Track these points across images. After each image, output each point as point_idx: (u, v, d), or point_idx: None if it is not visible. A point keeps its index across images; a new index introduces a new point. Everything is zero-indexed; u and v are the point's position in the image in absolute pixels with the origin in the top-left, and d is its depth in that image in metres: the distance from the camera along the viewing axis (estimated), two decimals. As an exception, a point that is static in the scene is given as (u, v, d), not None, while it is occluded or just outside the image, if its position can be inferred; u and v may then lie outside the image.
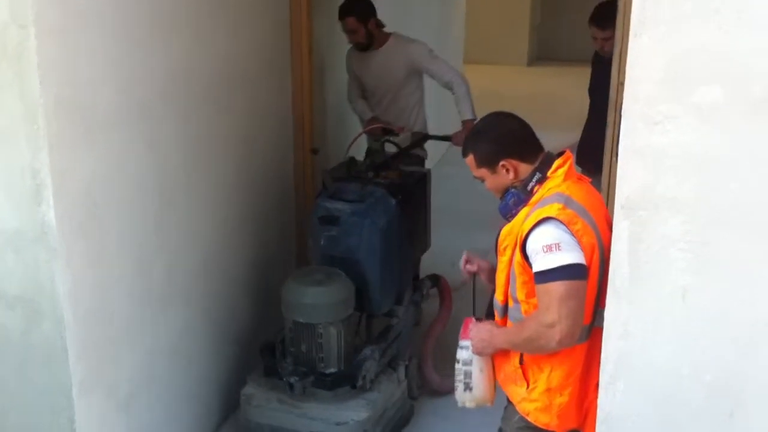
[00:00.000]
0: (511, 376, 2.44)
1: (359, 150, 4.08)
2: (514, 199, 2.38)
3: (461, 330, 2.56)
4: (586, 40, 4.52)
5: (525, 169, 2.38)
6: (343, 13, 4.46)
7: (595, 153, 3.54)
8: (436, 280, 4.05)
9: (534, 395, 2.37)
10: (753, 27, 1.66)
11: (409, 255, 3.74)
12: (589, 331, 2.29)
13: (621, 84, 3.19)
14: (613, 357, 1.94)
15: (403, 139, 4.11)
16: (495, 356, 2.51)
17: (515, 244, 2.31)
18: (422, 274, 4.85)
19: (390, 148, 4.05)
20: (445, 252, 5.21)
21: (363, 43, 4.53)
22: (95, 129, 2.56)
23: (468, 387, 2.54)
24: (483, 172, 2.44)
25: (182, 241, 3.15)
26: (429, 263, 4.82)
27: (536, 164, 2.37)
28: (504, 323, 2.46)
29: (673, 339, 1.86)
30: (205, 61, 3.22)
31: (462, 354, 2.53)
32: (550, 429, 2.39)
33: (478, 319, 2.54)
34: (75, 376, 2.56)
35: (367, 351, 3.38)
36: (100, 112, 2.58)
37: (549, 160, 2.38)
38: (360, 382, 3.27)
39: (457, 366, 2.55)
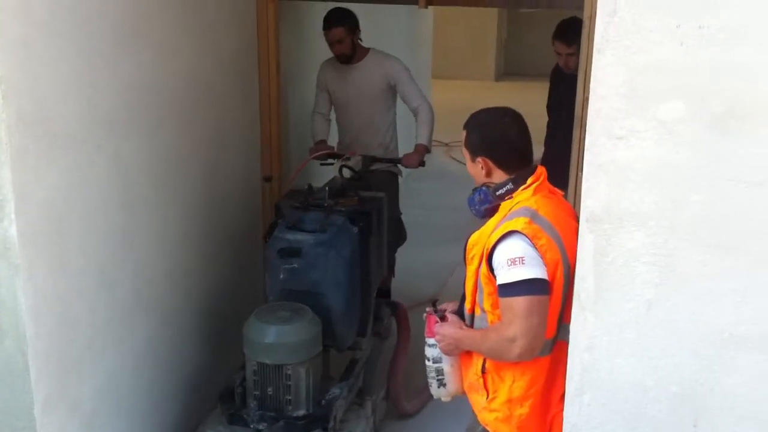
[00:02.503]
0: (473, 385, 2.45)
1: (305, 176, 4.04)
2: (481, 197, 2.44)
3: (426, 327, 2.57)
4: (552, 56, 4.56)
5: (499, 175, 2.41)
6: (332, 22, 4.41)
7: (557, 169, 3.57)
8: (394, 307, 3.98)
9: (494, 405, 2.39)
10: (713, 42, 1.69)
11: (370, 284, 3.57)
12: (552, 344, 2.31)
13: (586, 100, 3.23)
14: (578, 369, 1.95)
15: (355, 162, 4.06)
16: (462, 363, 2.53)
17: (482, 255, 2.32)
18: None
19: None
20: (413, 266, 5.25)
21: (347, 55, 4.47)
22: (58, 143, 2.53)
23: (441, 383, 2.57)
24: (465, 153, 2.49)
25: (147, 257, 3.11)
26: (397, 278, 4.84)
27: (513, 175, 2.39)
28: None
29: (638, 351, 1.88)
30: (171, 77, 3.20)
31: (431, 352, 2.55)
32: None
33: (441, 318, 2.54)
34: (37, 394, 2.51)
35: (335, 390, 3.24)
36: (63, 127, 2.55)
37: (525, 175, 2.39)
38: (331, 424, 3.10)
39: (428, 364, 2.58)
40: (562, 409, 2.15)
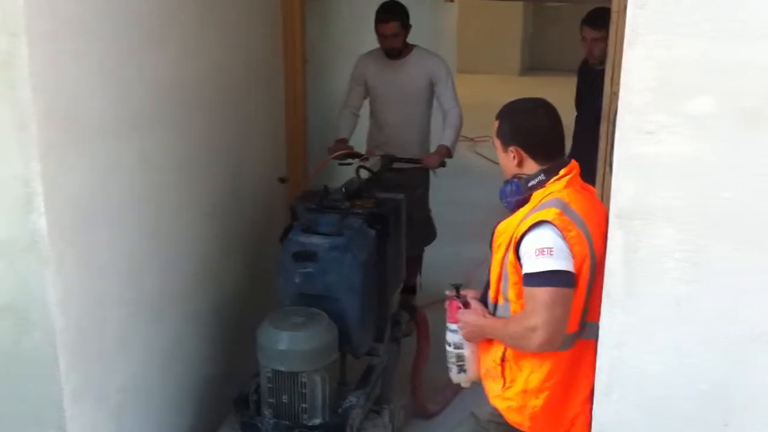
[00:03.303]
0: (490, 372, 2.45)
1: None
2: (513, 188, 2.42)
3: (447, 312, 2.57)
4: (577, 50, 4.54)
5: (531, 165, 2.40)
6: (387, 16, 4.37)
7: (585, 165, 3.55)
8: (413, 311, 3.90)
9: (508, 394, 2.40)
10: (745, 37, 1.67)
11: (387, 288, 3.46)
12: (573, 339, 2.29)
13: (614, 94, 3.21)
14: (607, 366, 1.94)
15: (373, 163, 3.98)
16: (480, 350, 2.53)
17: (509, 244, 2.32)
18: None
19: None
20: (435, 262, 5.24)
21: (398, 49, 4.44)
22: (87, 138, 2.55)
23: (462, 369, 2.57)
24: (497, 143, 2.48)
25: (174, 250, 3.13)
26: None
27: (545, 166, 2.38)
28: None
29: (668, 348, 1.86)
30: (196, 72, 3.21)
31: (452, 337, 2.55)
32: (522, 429, 2.41)
33: (464, 305, 2.53)
34: (66, 386, 2.53)
35: (352, 398, 3.14)
36: (91, 121, 2.57)
37: (557, 167, 2.39)
38: None
39: (449, 349, 2.57)
40: (587, 411, 2.15)
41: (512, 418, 2.40)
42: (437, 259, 5.39)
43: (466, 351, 2.54)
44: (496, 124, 2.48)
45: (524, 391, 2.36)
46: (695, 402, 1.87)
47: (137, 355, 2.95)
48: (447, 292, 2.59)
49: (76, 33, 2.46)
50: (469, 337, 2.50)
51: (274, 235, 3.83)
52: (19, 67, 2.25)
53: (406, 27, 4.41)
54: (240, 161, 3.66)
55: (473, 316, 2.47)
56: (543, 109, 2.46)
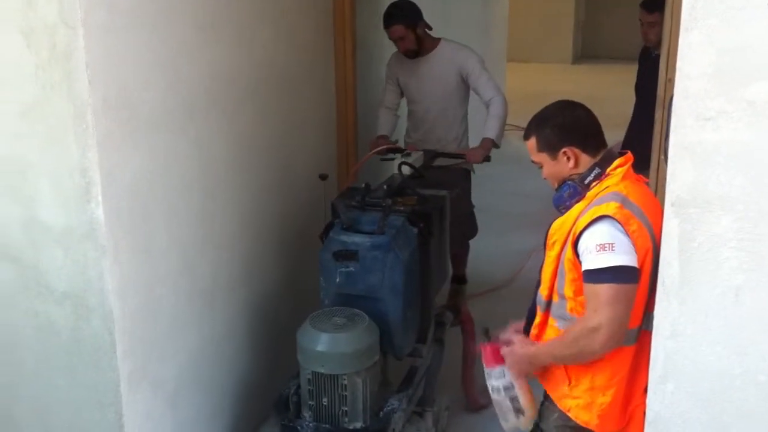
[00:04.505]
0: (553, 374, 2.41)
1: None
2: (570, 191, 2.35)
3: (484, 360, 2.47)
4: (631, 37, 4.50)
5: (586, 160, 2.35)
6: (389, 20, 4.23)
7: (640, 151, 3.50)
8: (456, 311, 3.81)
9: (576, 392, 2.35)
10: (808, 20, 1.62)
11: (430, 288, 3.37)
12: (637, 333, 2.26)
13: (669, 81, 3.16)
14: (661, 357, 1.91)
15: (415, 159, 3.87)
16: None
17: (566, 240, 2.28)
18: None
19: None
20: (485, 254, 5.22)
21: (412, 50, 4.28)
22: (142, 128, 2.60)
23: (519, 411, 2.46)
24: (543, 157, 2.41)
25: (225, 240, 3.17)
26: (469, 264, 4.82)
27: (597, 159, 2.34)
28: (546, 318, 2.43)
29: (725, 339, 1.83)
30: (249, 64, 3.24)
31: (498, 382, 2.45)
32: (590, 428, 2.36)
33: (504, 342, 2.44)
34: (123, 371, 2.59)
35: (394, 401, 3.07)
36: (146, 112, 2.61)
37: (610, 156, 2.35)
38: None
39: (498, 397, 2.47)
40: (643, 404, 2.12)
41: (581, 417, 2.36)
42: (489, 250, 5.38)
43: (519, 392, 2.44)
44: (534, 139, 2.41)
45: (591, 389, 2.32)
46: (753, 393, 1.83)
47: (191, 343, 3.00)
48: (479, 343, 2.52)
49: (132, 25, 2.50)
50: (522, 371, 2.41)
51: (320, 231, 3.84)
52: (76, 59, 2.30)
53: (413, 27, 4.23)
54: (290, 153, 3.68)
55: (521, 347, 2.40)
56: (570, 104, 2.44)
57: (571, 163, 2.35)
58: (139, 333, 2.67)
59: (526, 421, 2.48)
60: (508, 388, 2.44)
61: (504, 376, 2.43)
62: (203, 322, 3.06)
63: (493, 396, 2.49)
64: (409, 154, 3.87)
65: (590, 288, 2.19)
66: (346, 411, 2.95)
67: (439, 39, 4.38)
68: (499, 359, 2.45)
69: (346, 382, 2.91)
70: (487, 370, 2.47)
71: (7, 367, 2.74)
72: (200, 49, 2.88)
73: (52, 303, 2.57)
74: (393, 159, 3.87)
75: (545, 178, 2.45)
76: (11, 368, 2.73)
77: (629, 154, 2.38)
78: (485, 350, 2.48)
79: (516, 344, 2.42)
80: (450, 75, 4.33)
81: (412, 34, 4.24)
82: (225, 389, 3.27)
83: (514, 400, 2.45)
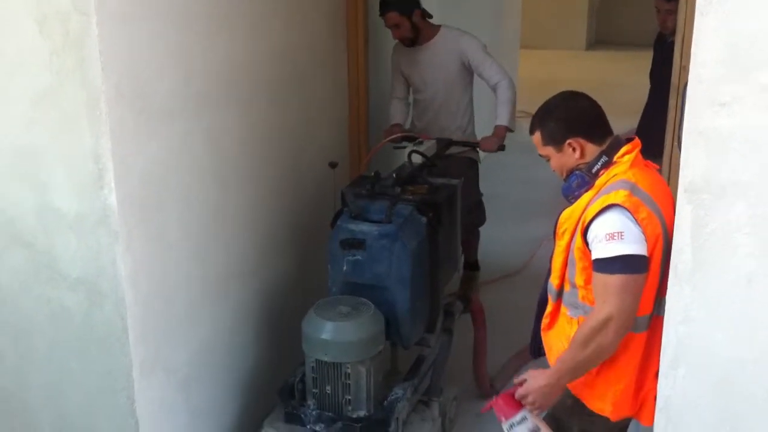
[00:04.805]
0: None
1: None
2: (578, 180, 2.35)
3: (500, 412, 2.37)
4: (646, 23, 4.46)
5: (592, 150, 2.34)
6: (384, 8, 4.20)
7: (654, 138, 3.49)
8: (467, 301, 3.77)
9: (590, 381, 2.34)
10: (824, 4, 1.60)
11: (439, 278, 3.34)
12: (649, 320, 2.25)
13: (684, 67, 3.14)
14: (673, 342, 1.91)
15: (429, 147, 3.84)
16: (549, 338, 2.47)
17: (575, 229, 2.28)
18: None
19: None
20: (497, 241, 5.22)
21: (408, 38, 4.26)
22: (155, 117, 2.60)
23: None
24: (549, 150, 2.41)
25: (238, 228, 3.18)
26: (481, 252, 4.82)
27: (604, 147, 2.33)
28: (557, 307, 2.43)
29: (737, 325, 1.82)
30: (263, 54, 3.24)
31: (524, 428, 2.33)
32: (604, 414, 2.36)
33: (517, 384, 2.37)
34: (136, 357, 2.61)
35: (398, 390, 3.05)
36: (160, 101, 2.61)
37: (617, 144, 2.34)
38: (393, 426, 2.94)
39: None
40: (655, 389, 2.11)
41: (595, 405, 2.35)
42: (501, 238, 5.38)
43: (545, 430, 2.34)
44: (538, 134, 2.40)
45: (606, 378, 2.31)
46: (765, 379, 1.82)
47: (204, 331, 3.01)
48: (491, 401, 2.42)
49: (146, 14, 2.50)
50: (545, 402, 2.33)
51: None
52: (89, 47, 2.31)
53: (408, 14, 4.19)
54: (303, 143, 3.68)
55: (535, 380, 2.33)
56: (573, 95, 2.43)
57: (577, 153, 2.34)
58: (152, 320, 2.69)
59: None
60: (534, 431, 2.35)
61: (527, 419, 2.34)
62: (216, 310, 3.07)
63: None
64: (421, 143, 3.85)
65: (599, 278, 2.19)
66: (349, 399, 2.95)
67: (439, 26, 4.33)
68: (516, 405, 2.36)
69: (349, 370, 2.91)
70: (506, 424, 2.36)
71: (20, 352, 2.76)
72: (214, 40, 2.88)
73: (65, 289, 2.59)
74: (405, 147, 3.86)
75: (553, 170, 2.45)
76: (24, 354, 2.76)
77: (636, 140, 2.36)
78: (497, 403, 2.38)
79: (529, 380, 2.35)
80: (451, 63, 4.28)
81: (407, 21, 4.21)
82: (238, 377, 3.29)
83: None
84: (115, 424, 2.70)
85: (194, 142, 2.83)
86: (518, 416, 2.33)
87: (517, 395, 2.35)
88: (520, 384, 2.36)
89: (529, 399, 2.32)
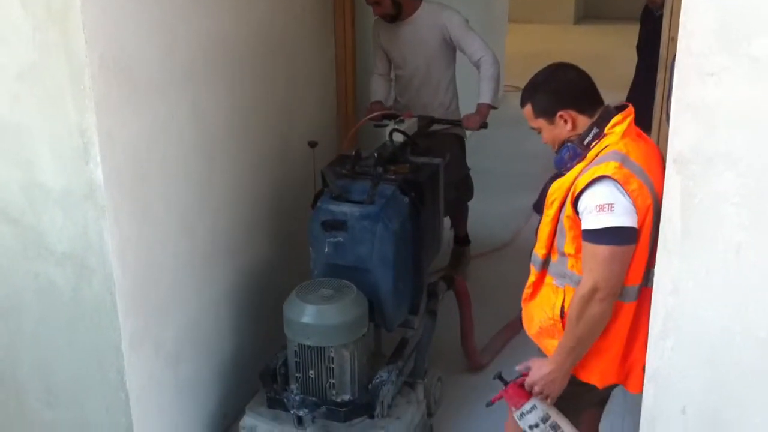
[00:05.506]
0: (548, 330, 2.40)
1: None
2: (570, 153, 2.34)
3: (510, 403, 2.38)
4: (635, -3, 4.44)
5: (583, 121, 2.34)
6: None
7: (642, 112, 3.48)
8: (450, 281, 3.70)
9: None
10: (814, -27, 1.60)
11: (422, 259, 3.29)
12: (638, 291, 2.26)
13: (672, 40, 3.13)
14: (662, 313, 1.91)
15: (410, 125, 3.74)
16: (531, 308, 2.47)
17: (564, 198, 2.28)
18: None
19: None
20: (486, 215, 5.22)
21: (389, 15, 4.14)
22: (140, 91, 2.58)
23: None
24: (540, 122, 2.40)
25: (224, 204, 3.17)
26: (470, 226, 4.83)
27: (595, 118, 2.33)
28: (542, 277, 2.43)
29: (726, 295, 1.82)
30: (247, 26, 3.21)
31: (535, 417, 2.34)
32: (590, 383, 2.37)
33: (523, 372, 2.39)
34: (124, 331, 2.61)
35: (383, 373, 3.01)
36: (144, 74, 2.59)
37: (608, 114, 2.33)
38: (378, 410, 2.91)
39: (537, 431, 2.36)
40: (641, 358, 2.12)
41: (580, 374, 2.36)
42: (490, 212, 5.39)
43: (557, 418, 2.35)
44: (529, 106, 2.39)
45: (596, 346, 2.30)
46: (754, 350, 1.83)
47: (192, 306, 3.01)
48: (497, 394, 2.44)
49: (127, -16, 2.47)
50: (552, 390, 2.34)
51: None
52: (72, 19, 2.28)
53: None
54: (288, 119, 3.66)
55: (538, 369, 2.34)
56: (562, 66, 2.42)
57: (569, 125, 2.34)
58: (140, 294, 2.68)
59: None
60: (545, 419, 2.35)
61: (536, 408, 2.35)
62: (203, 286, 3.07)
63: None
64: (402, 121, 3.80)
65: (589, 248, 2.20)
66: (333, 384, 2.91)
67: (420, 1, 4.23)
68: (525, 395, 2.37)
69: (333, 354, 2.87)
70: (516, 412, 2.38)
71: (9, 328, 2.75)
72: (197, 13, 2.85)
73: (53, 264, 2.58)
74: (386, 126, 3.79)
75: (545, 143, 2.44)
76: (13, 330, 2.75)
77: (629, 109, 2.36)
78: (507, 393, 2.39)
79: (533, 369, 2.36)
80: (432, 38, 4.20)
81: None
82: (225, 353, 3.29)
83: (555, 427, 2.36)
84: (106, 398, 2.70)
85: (179, 116, 2.81)
86: (528, 405, 2.35)
87: (525, 385, 2.37)
88: (525, 373, 2.38)
89: (537, 389, 2.35)
